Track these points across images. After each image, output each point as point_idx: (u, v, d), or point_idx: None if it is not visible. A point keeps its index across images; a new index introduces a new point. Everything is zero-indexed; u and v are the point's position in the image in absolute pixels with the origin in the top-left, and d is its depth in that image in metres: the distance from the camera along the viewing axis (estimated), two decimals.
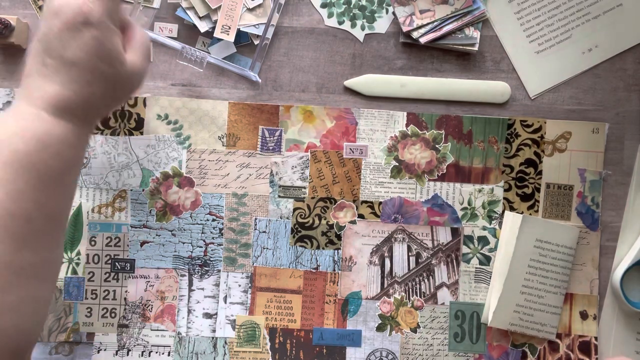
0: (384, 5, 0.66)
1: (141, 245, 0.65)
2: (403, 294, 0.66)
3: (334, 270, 0.66)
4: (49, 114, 0.45)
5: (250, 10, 0.64)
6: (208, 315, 0.65)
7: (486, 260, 0.66)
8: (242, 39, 0.65)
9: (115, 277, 0.65)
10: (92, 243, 0.65)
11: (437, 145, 0.66)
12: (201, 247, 0.65)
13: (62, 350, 0.64)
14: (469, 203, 0.66)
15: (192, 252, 0.66)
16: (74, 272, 0.65)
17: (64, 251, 0.65)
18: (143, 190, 0.66)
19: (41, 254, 0.45)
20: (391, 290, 0.66)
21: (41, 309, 0.47)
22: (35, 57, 0.46)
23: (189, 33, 0.65)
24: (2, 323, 0.43)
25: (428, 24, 0.65)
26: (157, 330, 0.65)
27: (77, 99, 0.46)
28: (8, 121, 0.45)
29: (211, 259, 0.66)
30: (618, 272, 0.65)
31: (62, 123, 0.46)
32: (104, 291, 0.65)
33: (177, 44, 0.63)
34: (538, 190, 0.66)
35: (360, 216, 0.66)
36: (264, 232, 0.66)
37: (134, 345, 0.65)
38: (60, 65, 0.45)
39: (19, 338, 0.44)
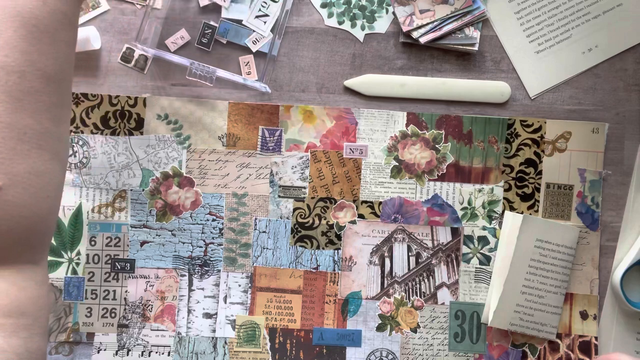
0: (384, 5, 0.67)
1: (141, 245, 0.65)
2: (403, 294, 0.66)
3: (334, 270, 0.66)
4: None
5: (257, 17, 0.64)
6: (208, 315, 0.65)
7: (486, 260, 0.66)
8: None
9: (115, 277, 0.65)
10: (92, 243, 0.65)
11: (437, 145, 0.66)
12: (201, 247, 0.65)
13: (62, 350, 0.64)
14: (469, 203, 0.66)
15: (192, 252, 0.66)
16: (74, 272, 0.65)
17: (64, 251, 0.65)
18: (143, 190, 0.66)
19: (43, 123, 0.44)
20: (391, 290, 0.66)
21: (51, 190, 0.45)
22: None
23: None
24: (12, 196, 0.41)
25: (428, 23, 0.65)
26: (157, 330, 0.65)
27: None
28: None
29: (211, 259, 0.66)
30: (618, 272, 0.64)
31: None
32: (104, 291, 0.65)
33: (186, 61, 0.63)
34: (538, 190, 0.66)
35: (360, 216, 0.66)
36: (264, 232, 0.66)
37: (134, 345, 0.65)
38: None
39: (32, 218, 0.43)
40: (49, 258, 0.64)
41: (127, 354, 0.65)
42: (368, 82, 0.66)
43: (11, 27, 0.42)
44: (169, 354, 0.65)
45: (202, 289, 0.65)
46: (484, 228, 0.66)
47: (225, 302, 0.65)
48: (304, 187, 0.66)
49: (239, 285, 0.66)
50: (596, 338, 0.66)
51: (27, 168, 0.42)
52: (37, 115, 0.43)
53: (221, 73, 0.62)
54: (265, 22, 0.65)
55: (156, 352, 0.65)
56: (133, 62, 0.66)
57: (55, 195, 0.46)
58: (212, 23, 0.65)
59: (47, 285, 0.47)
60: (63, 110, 0.47)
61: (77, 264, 0.65)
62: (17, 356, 0.40)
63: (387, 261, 0.66)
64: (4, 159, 0.41)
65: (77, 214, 0.65)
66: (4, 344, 0.40)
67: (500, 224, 0.66)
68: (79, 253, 0.65)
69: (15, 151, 0.42)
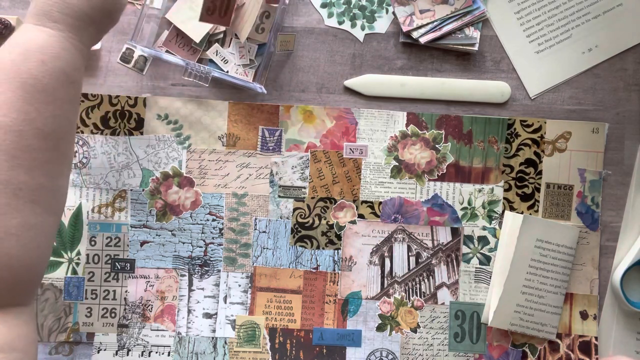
0: (384, 5, 0.67)
1: (141, 245, 0.65)
2: (403, 294, 0.66)
3: (334, 270, 0.66)
4: (31, 22, 0.47)
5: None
6: (208, 315, 0.65)
7: (486, 260, 0.66)
8: None
9: (115, 277, 0.65)
10: (92, 243, 0.65)
11: (437, 145, 0.66)
12: (201, 247, 0.65)
13: (62, 350, 0.64)
14: (469, 203, 0.66)
15: (192, 252, 0.66)
16: (74, 272, 0.65)
17: (64, 251, 0.65)
18: (143, 190, 0.66)
19: (38, 179, 0.45)
20: (391, 290, 0.66)
21: (42, 240, 0.46)
22: None
23: None
24: (4, 248, 0.43)
25: (428, 24, 0.65)
26: (157, 330, 0.65)
27: (52, 3, 0.47)
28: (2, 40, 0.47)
29: (211, 259, 0.66)
30: (618, 272, 0.64)
31: (43, 29, 0.47)
32: (104, 291, 0.65)
33: (181, 61, 0.63)
34: (538, 190, 0.66)
35: (360, 216, 0.66)
36: (264, 232, 0.66)
37: (134, 345, 0.65)
38: None
39: (21, 268, 0.44)
40: (49, 258, 0.64)
41: (127, 354, 0.65)
42: (368, 82, 0.66)
43: (10, 88, 0.44)
44: (169, 354, 0.65)
45: (202, 289, 0.65)
46: (484, 228, 0.66)
47: (225, 302, 0.65)
48: (304, 187, 0.66)
49: (239, 285, 0.66)
50: (596, 338, 0.66)
51: (20, 222, 0.44)
52: (32, 172, 0.45)
53: (217, 73, 0.62)
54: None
55: (156, 352, 0.65)
56: (132, 63, 0.66)
57: (46, 245, 0.48)
58: None
59: (34, 322, 0.49)
60: (60, 166, 0.48)
61: (77, 264, 0.65)
62: None
63: (387, 261, 0.66)
64: None
65: (77, 214, 0.65)
66: None
67: (500, 224, 0.66)
68: (79, 253, 0.65)
69: (9, 206, 0.43)
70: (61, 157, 0.48)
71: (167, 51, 0.64)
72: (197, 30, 0.64)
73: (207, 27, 0.63)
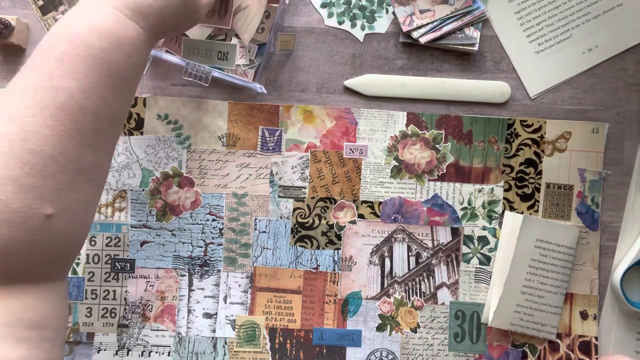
0: (384, 5, 0.67)
1: (141, 245, 0.65)
2: (403, 294, 0.66)
3: (334, 270, 0.66)
4: (125, 14, 0.48)
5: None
6: (208, 315, 0.65)
7: (486, 260, 0.66)
8: None
9: (115, 277, 0.65)
10: (92, 243, 0.65)
11: (437, 145, 0.66)
12: (201, 247, 0.65)
13: None
14: (469, 203, 0.66)
15: (192, 252, 0.66)
16: (74, 272, 0.65)
17: None
18: (143, 190, 0.66)
19: (100, 158, 0.47)
20: (391, 290, 0.66)
21: (91, 217, 0.48)
22: None
23: None
24: (59, 224, 0.43)
25: (428, 24, 0.65)
26: (157, 330, 0.65)
27: (153, 5, 0.49)
28: (83, 15, 0.47)
29: (211, 259, 0.66)
30: (618, 272, 0.64)
31: (135, 26, 0.49)
32: (104, 291, 0.65)
33: (181, 61, 0.63)
34: (538, 190, 0.66)
35: (360, 216, 0.66)
36: (264, 232, 0.66)
37: (134, 345, 0.65)
38: None
39: (71, 243, 0.46)
40: None
41: (127, 354, 0.65)
42: (368, 82, 0.66)
43: (96, 73, 0.45)
44: (169, 354, 0.65)
45: (202, 289, 0.65)
46: (484, 228, 0.66)
47: (225, 302, 0.65)
48: (304, 187, 0.66)
49: (239, 285, 0.66)
50: (596, 338, 0.66)
51: (78, 198, 0.45)
52: (98, 152, 0.47)
53: (217, 73, 0.62)
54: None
55: (156, 352, 0.65)
56: None
57: (91, 222, 0.49)
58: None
59: (67, 297, 0.49)
60: (114, 145, 0.51)
61: (77, 263, 0.65)
62: None
63: (387, 261, 0.66)
64: (61, 190, 0.43)
65: None
66: (29, 355, 0.41)
67: (500, 224, 0.66)
68: (79, 253, 0.65)
69: (71, 183, 0.44)
70: (117, 139, 0.51)
71: (167, 51, 0.64)
72: (198, 31, 0.64)
73: (208, 28, 0.63)
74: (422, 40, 0.65)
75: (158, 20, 0.50)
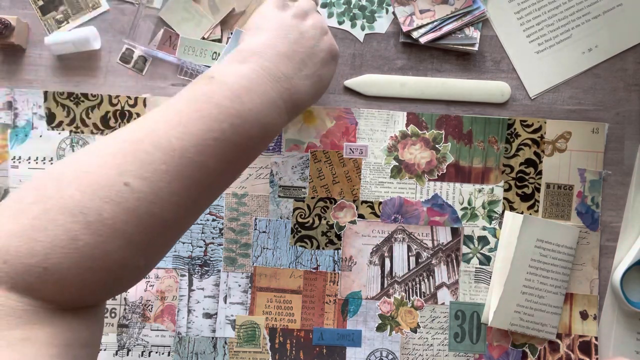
0: (384, 5, 0.67)
1: None
2: (403, 294, 0.66)
3: (334, 270, 0.66)
4: (283, 104, 0.50)
5: None
6: (208, 315, 0.65)
7: (486, 260, 0.66)
8: None
9: None
10: None
11: (437, 145, 0.66)
12: (201, 247, 0.65)
13: None
14: (469, 203, 0.66)
15: (192, 252, 0.66)
16: None
17: None
18: None
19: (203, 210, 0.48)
20: (391, 290, 0.66)
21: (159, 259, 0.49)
22: (296, 63, 0.52)
23: None
24: (145, 273, 0.46)
25: (428, 24, 0.65)
26: (157, 330, 0.65)
27: (306, 101, 0.53)
28: (254, 107, 0.47)
29: (211, 259, 0.66)
30: (618, 272, 0.64)
31: (285, 117, 0.51)
32: None
33: (176, 60, 0.63)
34: (538, 190, 0.66)
35: (360, 216, 0.66)
36: (264, 232, 0.66)
37: (134, 345, 0.65)
38: (312, 77, 0.53)
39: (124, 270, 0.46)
40: None
41: (127, 354, 0.65)
42: (368, 82, 0.66)
43: (240, 158, 0.47)
44: (169, 354, 0.65)
45: (202, 289, 0.65)
46: (484, 228, 0.66)
47: (225, 302, 0.65)
48: (304, 187, 0.66)
49: (239, 285, 0.66)
50: (596, 338, 0.66)
51: (166, 252, 0.47)
52: (198, 217, 0.48)
53: None
54: None
55: (156, 352, 0.65)
56: (132, 63, 0.66)
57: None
58: None
59: (103, 317, 0.51)
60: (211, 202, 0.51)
61: None
62: None
63: (387, 261, 0.66)
64: (160, 248, 0.45)
65: None
66: None
67: (500, 224, 0.66)
68: None
69: (170, 242, 0.46)
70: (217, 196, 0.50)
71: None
72: (192, 32, 0.64)
73: (203, 30, 0.63)
74: (422, 40, 0.65)
75: (299, 111, 0.53)
